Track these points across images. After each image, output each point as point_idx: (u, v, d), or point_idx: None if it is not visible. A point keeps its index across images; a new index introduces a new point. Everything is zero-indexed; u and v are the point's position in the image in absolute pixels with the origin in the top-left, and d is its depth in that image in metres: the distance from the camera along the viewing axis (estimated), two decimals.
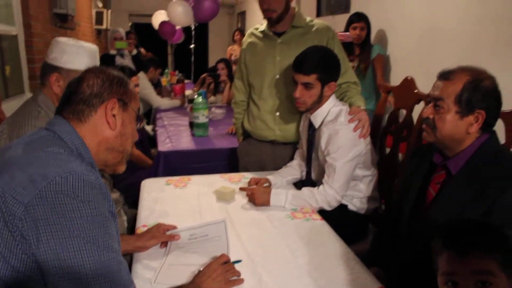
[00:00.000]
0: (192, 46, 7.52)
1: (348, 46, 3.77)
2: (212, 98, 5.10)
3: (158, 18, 7.27)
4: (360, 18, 3.92)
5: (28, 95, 3.72)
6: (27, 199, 0.96)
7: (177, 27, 6.94)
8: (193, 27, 5.87)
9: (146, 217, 1.85)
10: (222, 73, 4.98)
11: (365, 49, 3.92)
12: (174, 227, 1.67)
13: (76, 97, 1.21)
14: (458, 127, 1.45)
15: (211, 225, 1.70)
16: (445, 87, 1.47)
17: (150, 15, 8.00)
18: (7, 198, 0.97)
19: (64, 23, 5.10)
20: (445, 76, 1.49)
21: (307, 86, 2.01)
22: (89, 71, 1.26)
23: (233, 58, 6.83)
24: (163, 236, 1.61)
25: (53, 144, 1.12)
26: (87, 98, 1.20)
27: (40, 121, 1.76)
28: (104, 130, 1.22)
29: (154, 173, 2.80)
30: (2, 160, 1.08)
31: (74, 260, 0.97)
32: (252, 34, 2.46)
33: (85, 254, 0.98)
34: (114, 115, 1.23)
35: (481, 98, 1.41)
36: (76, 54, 1.80)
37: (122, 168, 1.33)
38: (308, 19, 2.36)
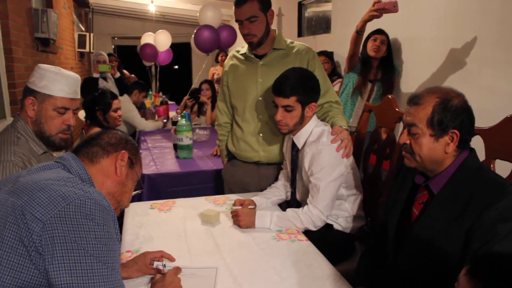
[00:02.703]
0: (175, 67, 7.55)
1: (365, 62, 3.60)
2: (196, 119, 5.11)
3: (147, 39, 7.34)
4: (381, 32, 3.61)
5: (9, 120, 3.68)
6: (46, 217, 1.06)
7: (161, 50, 6.98)
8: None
9: (131, 242, 1.83)
10: (206, 93, 5.00)
11: (388, 69, 3.61)
12: (161, 254, 1.64)
13: (94, 141, 1.38)
14: (435, 149, 1.47)
15: (201, 269, 1.64)
16: (416, 112, 1.49)
17: (133, 38, 8.05)
18: (26, 215, 1.06)
19: (45, 47, 5.09)
20: (414, 101, 1.51)
21: (287, 108, 2.02)
22: (113, 130, 1.46)
23: (215, 77, 6.88)
24: (149, 269, 1.59)
25: (65, 173, 1.24)
26: (104, 144, 1.37)
27: (19, 147, 1.75)
28: (111, 173, 1.36)
29: (138, 197, 2.77)
30: (18, 184, 1.17)
31: (85, 277, 1.06)
32: (234, 56, 2.48)
33: (96, 272, 1.07)
34: (122, 165, 1.37)
35: (453, 118, 1.43)
36: (54, 80, 1.79)
37: None
38: (288, 41, 2.39)
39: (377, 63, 3.62)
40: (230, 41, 5.27)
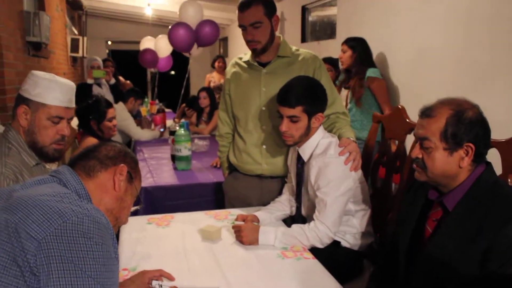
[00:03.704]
0: (172, 72, 7.58)
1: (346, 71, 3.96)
2: (194, 129, 5.12)
3: (145, 44, 7.35)
4: (346, 41, 3.96)
5: None
6: (42, 235, 1.04)
7: (162, 56, 6.99)
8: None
9: (127, 260, 1.82)
10: (204, 102, 5.02)
11: (351, 76, 3.94)
12: (160, 273, 1.63)
13: (91, 154, 1.36)
14: (449, 164, 1.46)
15: None
16: (428, 125, 1.49)
17: (129, 42, 8.06)
18: (20, 233, 1.04)
19: (37, 51, 5.10)
20: (426, 113, 1.51)
21: (293, 119, 2.02)
22: (111, 143, 1.45)
23: (212, 84, 6.90)
24: None
25: (61, 188, 1.23)
26: (102, 157, 1.36)
27: (11, 159, 1.74)
28: (109, 188, 1.35)
29: (135, 211, 2.76)
30: (12, 200, 1.15)
31: None
32: (236, 64, 2.49)
33: None
34: (120, 180, 1.36)
35: (467, 130, 1.43)
36: (48, 88, 1.79)
37: None
38: (294, 48, 2.39)
39: (348, 71, 3.99)
40: (211, 38, 5.25)
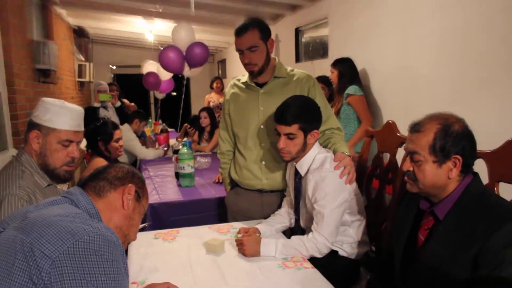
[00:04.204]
0: (174, 93, 7.61)
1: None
2: (196, 147, 5.13)
3: (148, 68, 7.40)
4: (332, 63, 4.18)
5: (11, 151, 3.69)
6: (56, 254, 1.05)
7: (164, 78, 7.03)
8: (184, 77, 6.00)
9: (136, 274, 1.82)
10: (204, 121, 5.05)
11: (332, 92, 4.29)
12: (167, 286, 1.64)
13: (101, 176, 1.39)
14: (438, 175, 1.48)
15: None
16: (417, 140, 1.51)
17: (131, 66, 8.10)
18: (35, 252, 1.06)
19: (46, 78, 5.14)
20: (415, 128, 1.53)
21: (290, 136, 2.04)
22: (120, 164, 1.47)
23: (211, 104, 6.94)
24: None
25: (73, 208, 1.25)
26: (111, 178, 1.39)
27: (24, 181, 1.76)
28: (118, 207, 1.37)
29: (142, 228, 2.76)
30: (26, 221, 1.16)
31: None
32: (235, 85, 2.51)
33: None
34: (129, 199, 1.39)
35: (454, 143, 1.45)
36: (59, 113, 1.82)
37: None
38: (289, 69, 2.42)
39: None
40: (202, 59, 5.31)
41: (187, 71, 5.49)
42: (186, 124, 5.41)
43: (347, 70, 4.06)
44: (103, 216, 1.32)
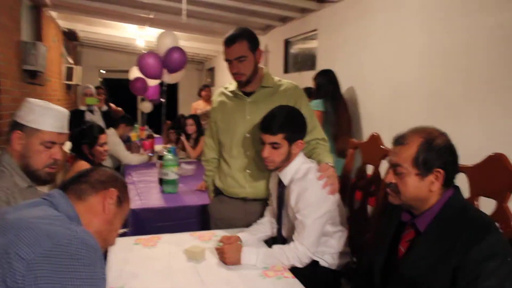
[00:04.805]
0: (162, 100, 7.58)
1: None
2: (181, 153, 5.11)
3: (135, 73, 7.37)
4: (315, 74, 4.22)
5: None
6: (31, 256, 1.03)
7: (151, 84, 7.02)
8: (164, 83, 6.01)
9: (115, 279, 1.78)
10: (191, 129, 5.02)
11: None
12: None
13: (83, 179, 1.37)
14: (420, 188, 1.49)
15: None
16: (400, 152, 1.51)
17: (120, 71, 8.06)
18: (10, 254, 1.03)
19: (33, 79, 5.08)
20: (399, 141, 1.54)
21: (274, 145, 2.03)
22: (103, 168, 1.46)
23: (198, 112, 6.92)
24: None
25: (52, 211, 1.22)
26: (93, 181, 1.36)
27: (3, 181, 1.72)
28: (99, 211, 1.34)
29: (122, 233, 2.73)
30: (4, 222, 1.14)
31: None
32: (222, 93, 2.50)
33: None
34: (110, 203, 1.36)
35: (437, 157, 1.46)
36: (43, 114, 1.78)
37: None
38: (276, 79, 2.42)
39: None
40: (180, 64, 5.34)
41: (166, 77, 5.50)
42: (171, 130, 5.39)
43: (324, 82, 4.07)
44: (83, 219, 1.29)
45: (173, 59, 5.20)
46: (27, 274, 1.01)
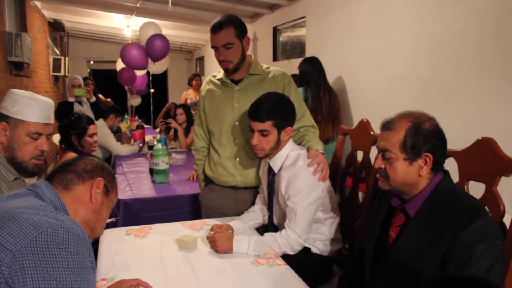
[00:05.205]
0: (151, 90, 7.53)
1: None
2: (172, 143, 5.08)
3: (121, 64, 7.31)
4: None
5: None
6: (17, 247, 1.01)
7: (138, 74, 6.98)
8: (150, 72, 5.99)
9: (106, 270, 1.78)
10: (181, 118, 4.99)
11: None
12: (137, 282, 1.60)
13: (69, 168, 1.34)
14: (409, 173, 1.49)
15: None
16: (389, 137, 1.51)
17: (109, 62, 7.99)
18: None
19: (19, 71, 5.02)
20: (387, 126, 1.53)
21: (263, 133, 2.02)
22: (89, 157, 1.43)
23: (189, 101, 6.88)
24: None
25: (38, 201, 1.21)
26: (79, 171, 1.34)
27: None
28: (85, 200, 1.33)
29: (114, 223, 2.72)
30: None
31: None
32: (210, 81, 2.48)
33: None
34: (97, 192, 1.35)
35: (425, 141, 1.46)
36: (28, 105, 1.76)
37: None
38: (264, 66, 2.40)
39: None
40: (163, 51, 5.31)
41: (151, 66, 5.47)
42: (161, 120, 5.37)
43: (308, 69, 4.01)
44: (70, 209, 1.27)
45: (155, 47, 5.18)
46: (13, 265, 1.00)
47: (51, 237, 1.05)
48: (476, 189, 1.66)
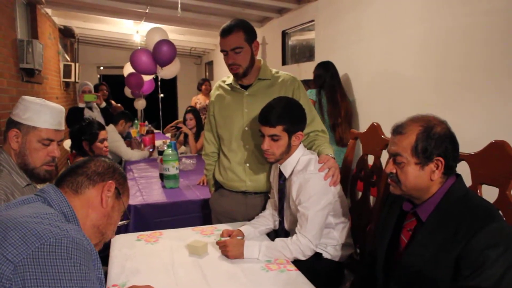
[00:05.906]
0: (161, 95, 7.56)
1: None
2: (182, 148, 5.09)
3: (130, 69, 7.36)
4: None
5: None
6: (18, 258, 0.98)
7: (145, 78, 7.01)
8: (159, 77, 6.02)
9: (117, 276, 1.78)
10: (190, 123, 4.99)
11: None
12: None
13: (80, 170, 1.31)
14: (421, 177, 1.47)
15: None
16: (400, 142, 1.50)
17: (118, 67, 8.03)
18: None
19: (30, 77, 5.06)
20: (398, 130, 1.52)
21: (274, 138, 2.02)
22: (101, 158, 1.39)
23: (198, 106, 6.89)
24: None
25: (45, 208, 1.17)
26: (90, 173, 1.31)
27: (2, 180, 1.71)
28: (96, 205, 1.30)
29: (125, 228, 2.72)
30: None
31: None
32: (220, 86, 2.49)
33: None
34: (108, 196, 1.32)
35: (436, 145, 1.44)
36: (39, 112, 1.78)
37: (97, 249, 1.32)
38: (273, 71, 2.40)
39: None
40: (170, 56, 5.35)
41: (159, 71, 5.51)
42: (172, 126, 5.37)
43: (321, 73, 4.09)
44: (79, 214, 1.24)
45: (162, 52, 5.20)
46: (14, 277, 0.97)
47: (54, 247, 1.02)
48: (489, 193, 1.64)
